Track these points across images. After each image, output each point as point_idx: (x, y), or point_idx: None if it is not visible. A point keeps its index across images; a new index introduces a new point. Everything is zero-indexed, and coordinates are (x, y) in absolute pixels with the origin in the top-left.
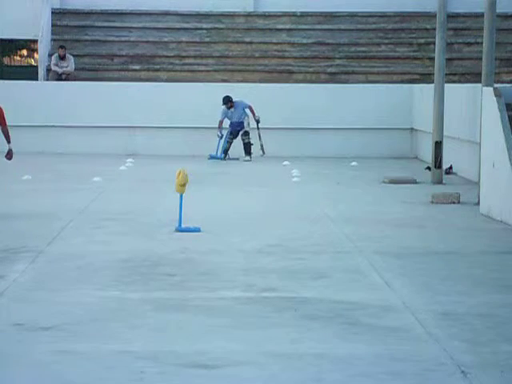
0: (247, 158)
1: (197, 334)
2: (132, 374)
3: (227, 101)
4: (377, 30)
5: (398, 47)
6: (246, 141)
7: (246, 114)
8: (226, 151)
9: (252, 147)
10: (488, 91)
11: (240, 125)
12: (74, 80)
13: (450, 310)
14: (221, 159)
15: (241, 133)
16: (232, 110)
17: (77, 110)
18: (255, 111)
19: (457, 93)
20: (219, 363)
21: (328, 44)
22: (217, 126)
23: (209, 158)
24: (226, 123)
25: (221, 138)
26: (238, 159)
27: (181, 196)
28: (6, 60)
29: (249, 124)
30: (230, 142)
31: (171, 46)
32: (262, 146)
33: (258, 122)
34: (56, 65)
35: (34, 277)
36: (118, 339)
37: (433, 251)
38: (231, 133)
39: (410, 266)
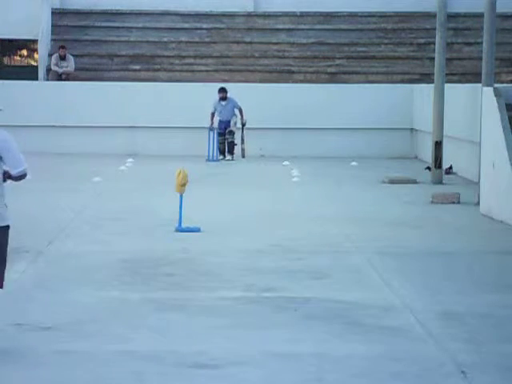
0: (229, 157)
1: (197, 334)
2: (132, 374)
3: (222, 91)
4: (377, 30)
5: (397, 47)
6: (230, 140)
7: (235, 115)
8: (222, 152)
9: (235, 147)
10: (488, 91)
11: (227, 124)
12: (74, 80)
13: (450, 309)
14: (219, 160)
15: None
16: (223, 103)
17: (77, 109)
18: (244, 115)
19: (457, 93)
20: (219, 363)
21: (328, 44)
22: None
23: (206, 160)
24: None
25: (212, 130)
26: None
27: (181, 196)
28: (6, 60)
29: (235, 124)
30: (222, 143)
31: (171, 46)
32: (243, 149)
33: (243, 125)
34: (56, 65)
35: (34, 277)
36: (118, 339)
37: (432, 251)
38: (220, 134)
39: (410, 266)
